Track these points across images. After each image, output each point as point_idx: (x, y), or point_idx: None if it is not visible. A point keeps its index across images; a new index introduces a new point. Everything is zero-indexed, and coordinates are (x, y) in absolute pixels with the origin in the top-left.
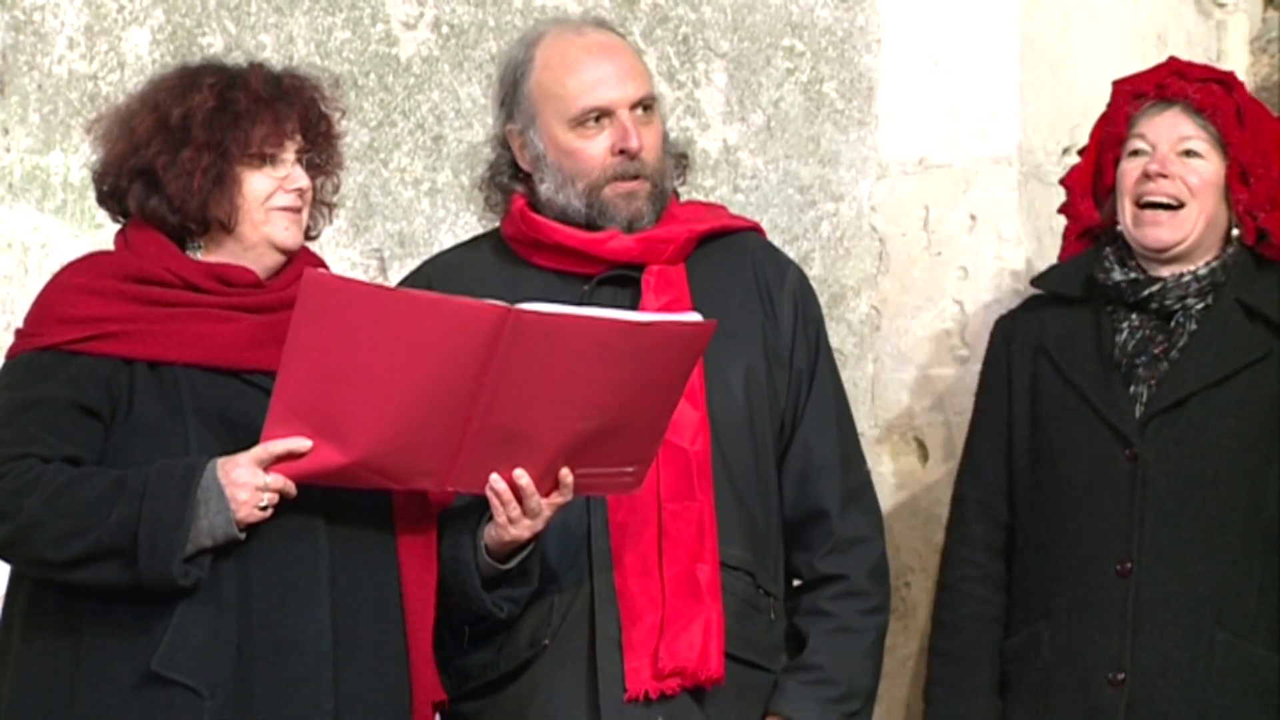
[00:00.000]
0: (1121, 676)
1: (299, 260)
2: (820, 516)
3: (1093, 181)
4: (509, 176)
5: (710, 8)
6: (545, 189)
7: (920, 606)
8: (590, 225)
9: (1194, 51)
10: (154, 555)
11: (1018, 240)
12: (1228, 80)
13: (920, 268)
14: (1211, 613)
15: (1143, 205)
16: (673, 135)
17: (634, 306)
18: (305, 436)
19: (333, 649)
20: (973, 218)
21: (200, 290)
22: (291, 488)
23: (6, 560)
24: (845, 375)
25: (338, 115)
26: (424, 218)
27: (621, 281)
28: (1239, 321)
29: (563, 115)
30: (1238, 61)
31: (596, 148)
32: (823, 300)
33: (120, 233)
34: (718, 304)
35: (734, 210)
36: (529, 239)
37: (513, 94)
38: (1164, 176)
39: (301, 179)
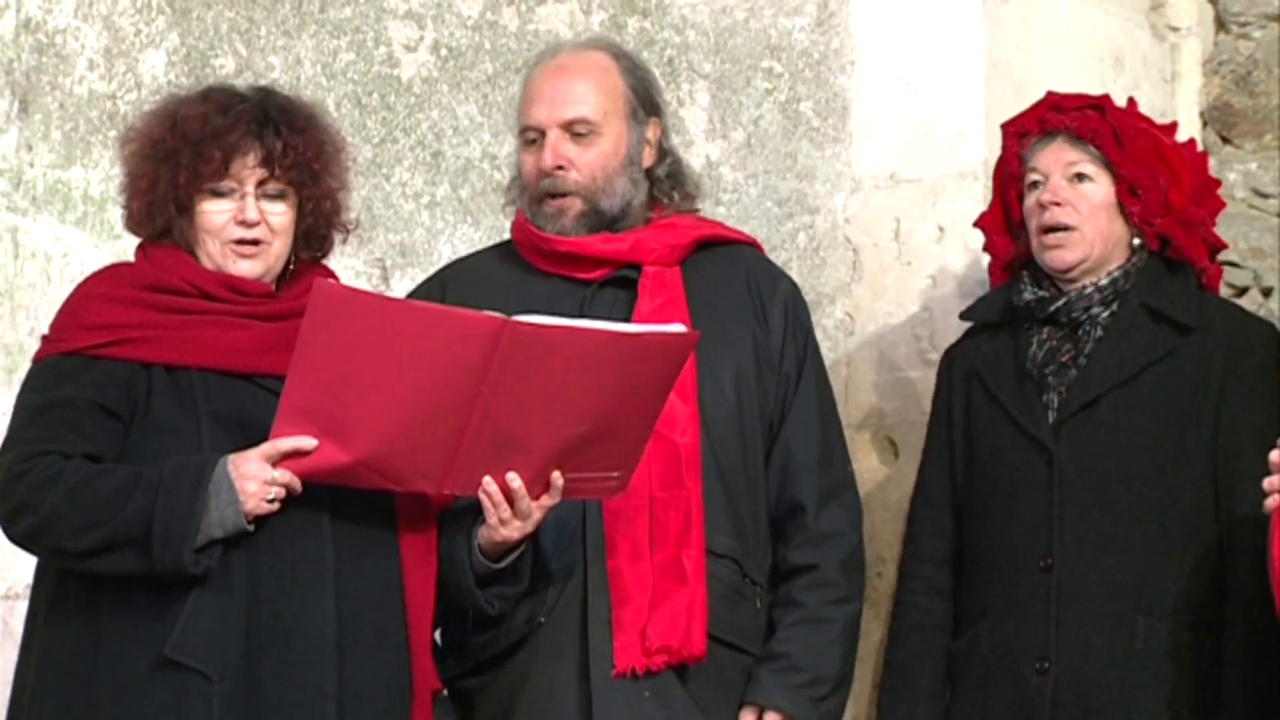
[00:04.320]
0: (1046, 665)
1: (311, 272)
2: (797, 511)
3: (1004, 219)
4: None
5: (694, 31)
6: (512, 193)
7: (891, 596)
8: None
9: (1149, 73)
10: (167, 545)
11: (983, 250)
12: (1101, 104)
13: (891, 276)
14: (1131, 599)
15: (1044, 231)
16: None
17: (631, 308)
18: (311, 436)
19: (337, 637)
20: (941, 229)
21: (215, 299)
22: (297, 484)
23: (30, 551)
24: None
25: (319, 138)
26: (424, 229)
27: (621, 284)
28: (1143, 324)
29: (518, 131)
30: (1191, 82)
31: (530, 165)
32: None
33: (140, 245)
34: (711, 307)
35: (725, 224)
36: (531, 245)
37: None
38: (1056, 204)
39: (251, 211)
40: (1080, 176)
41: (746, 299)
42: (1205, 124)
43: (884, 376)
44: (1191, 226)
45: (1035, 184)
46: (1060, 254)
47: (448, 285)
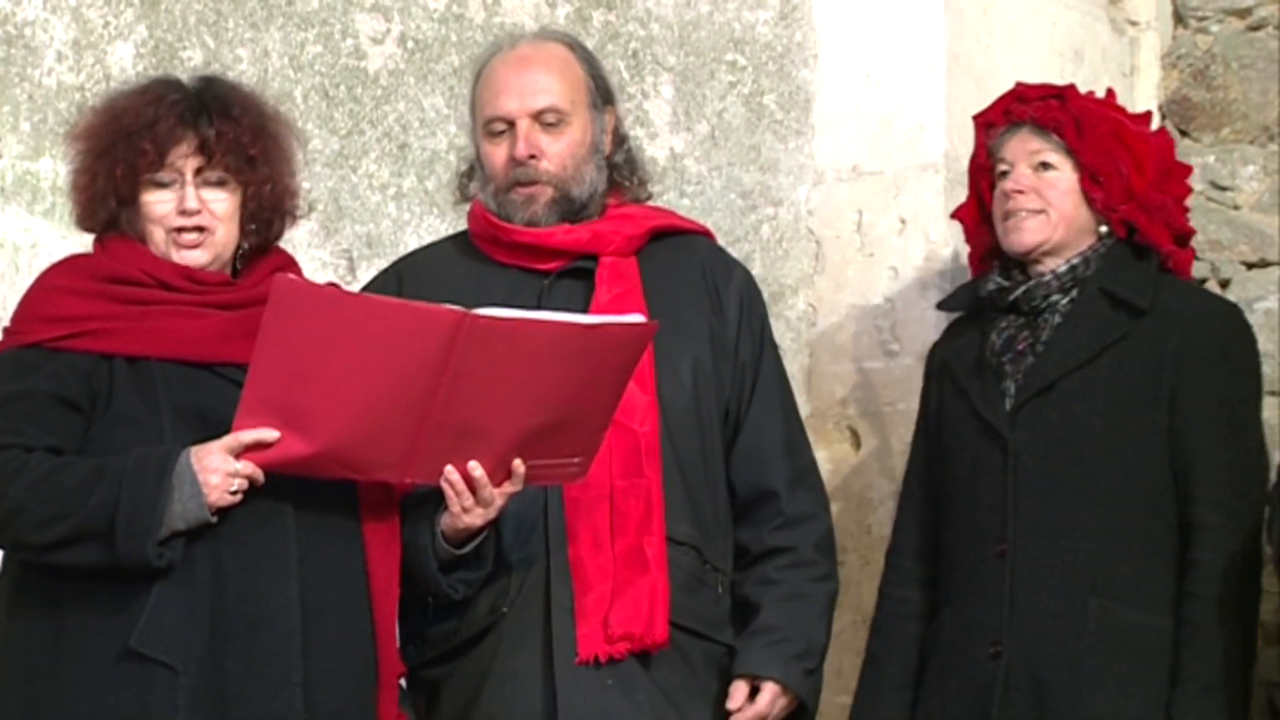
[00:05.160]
0: (999, 649)
1: (269, 259)
2: (770, 497)
3: (979, 210)
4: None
5: (658, 25)
6: (474, 186)
7: (852, 583)
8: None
9: (1109, 66)
10: (130, 537)
11: (944, 242)
12: (1064, 94)
13: (854, 268)
14: (1085, 581)
15: (1008, 217)
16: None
17: (588, 298)
18: (273, 427)
19: (302, 625)
20: (902, 221)
21: (173, 289)
22: (260, 474)
23: None
24: None
25: (256, 123)
26: (390, 220)
27: (578, 274)
28: (1101, 309)
29: (481, 122)
30: (1149, 76)
31: (499, 155)
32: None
33: (98, 238)
34: (667, 297)
35: (680, 214)
36: (490, 236)
37: (470, 98)
38: (1020, 192)
39: (190, 200)
40: (1045, 165)
41: (702, 288)
42: (1164, 117)
43: (846, 367)
44: (1153, 211)
45: (1003, 173)
46: (1020, 236)
47: (404, 277)
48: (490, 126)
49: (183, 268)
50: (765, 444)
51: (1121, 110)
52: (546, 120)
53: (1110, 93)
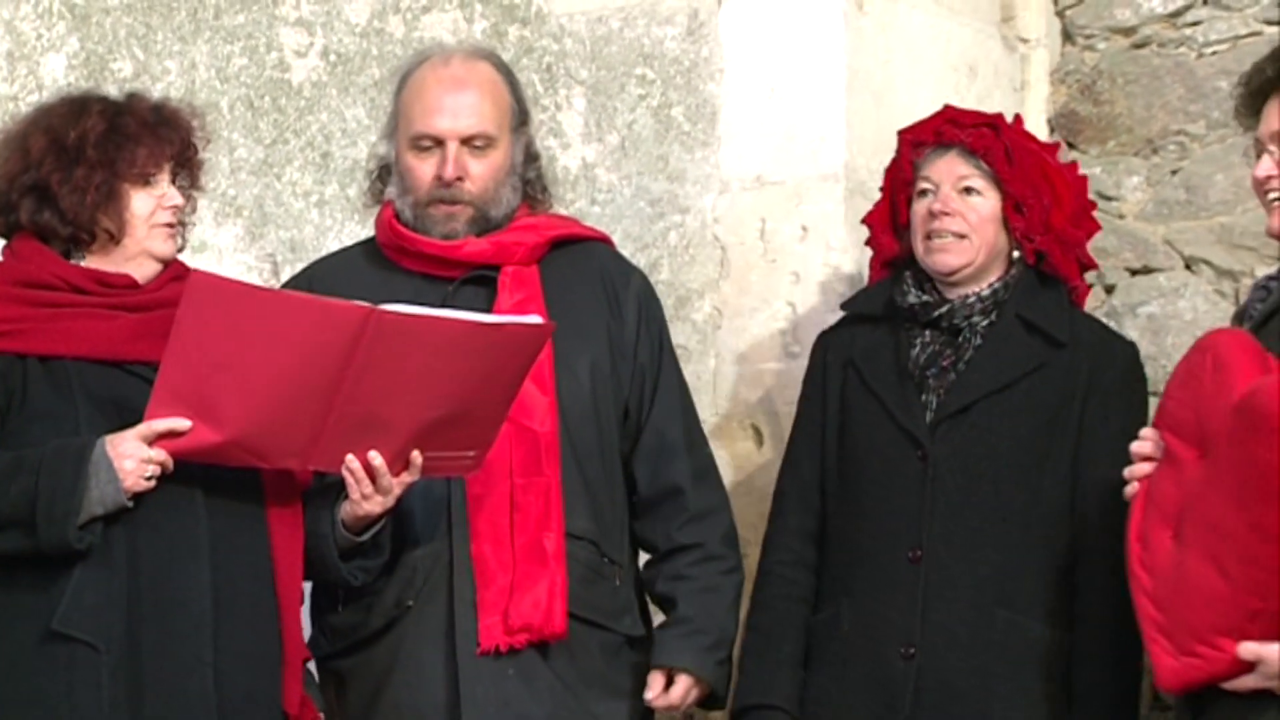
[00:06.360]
0: (912, 651)
1: (169, 267)
2: (674, 492)
3: (890, 218)
4: (384, 176)
5: (571, 39)
6: (390, 192)
7: (754, 575)
8: (416, 232)
9: (1000, 82)
10: (51, 522)
11: (844, 249)
12: (996, 123)
13: (757, 273)
14: (993, 593)
15: (930, 236)
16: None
17: (491, 304)
18: (184, 417)
19: (212, 608)
20: (804, 229)
21: (83, 292)
22: (170, 461)
23: None
24: (689, 370)
25: (204, 143)
26: (313, 226)
27: (481, 281)
28: (1019, 335)
29: (406, 134)
30: (1039, 91)
31: (424, 171)
32: (669, 303)
33: (6, 247)
34: (567, 302)
35: (591, 221)
36: (396, 245)
37: (393, 103)
38: (946, 213)
39: (176, 198)
40: (969, 190)
41: (601, 293)
42: (1052, 130)
43: (749, 368)
44: (1068, 246)
45: (925, 191)
46: (945, 258)
47: (315, 282)
48: (418, 142)
49: (92, 271)
50: (668, 442)
51: (1042, 144)
52: (475, 144)
53: (1019, 119)
